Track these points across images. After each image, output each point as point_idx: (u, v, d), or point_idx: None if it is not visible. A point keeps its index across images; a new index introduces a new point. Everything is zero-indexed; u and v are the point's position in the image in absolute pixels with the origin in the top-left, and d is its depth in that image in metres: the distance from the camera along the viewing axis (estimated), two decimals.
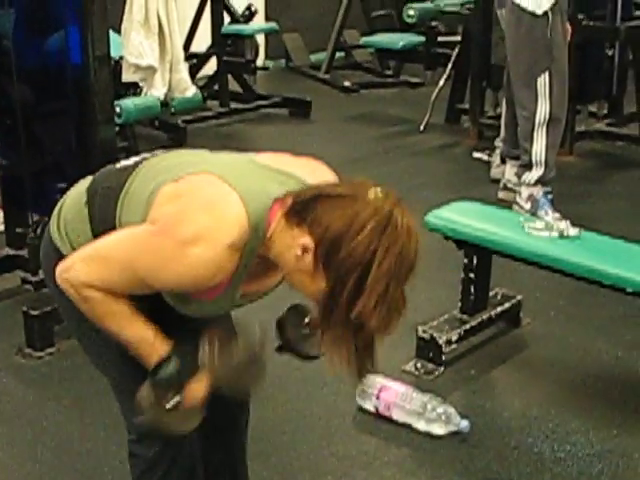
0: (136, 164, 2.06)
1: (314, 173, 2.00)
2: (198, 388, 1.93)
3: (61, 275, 1.92)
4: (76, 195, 2.10)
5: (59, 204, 2.13)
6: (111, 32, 3.99)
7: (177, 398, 1.92)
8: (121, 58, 5.28)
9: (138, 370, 2.02)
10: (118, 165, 2.13)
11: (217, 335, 1.89)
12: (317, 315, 1.85)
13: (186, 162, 2.02)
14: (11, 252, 4.19)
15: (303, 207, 1.79)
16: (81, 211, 2.04)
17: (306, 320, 2.00)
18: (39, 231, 3.90)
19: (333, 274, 1.75)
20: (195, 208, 1.84)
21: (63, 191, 2.19)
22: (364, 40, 8.15)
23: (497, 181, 5.73)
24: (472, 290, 3.86)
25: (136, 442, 2.20)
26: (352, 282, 1.72)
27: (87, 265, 1.89)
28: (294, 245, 1.79)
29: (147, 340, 1.93)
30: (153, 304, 1.95)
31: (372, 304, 1.73)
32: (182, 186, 1.89)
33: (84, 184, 2.10)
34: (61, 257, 2.01)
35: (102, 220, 1.98)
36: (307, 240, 1.76)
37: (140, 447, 2.19)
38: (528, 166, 5.25)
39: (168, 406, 1.92)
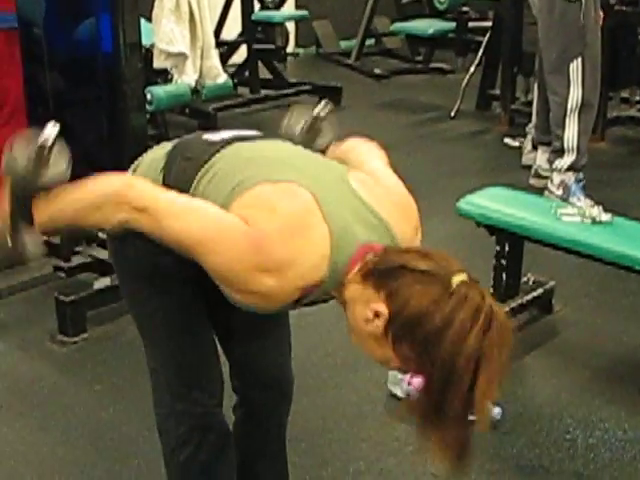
0: (223, 143, 1.99)
1: (405, 219, 1.95)
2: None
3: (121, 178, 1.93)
4: (151, 161, 2.06)
5: (133, 166, 2.09)
6: (142, 19, 3.99)
7: None
8: (152, 45, 5.31)
9: (182, 342, 2.09)
10: (204, 137, 2.08)
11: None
12: (416, 415, 1.77)
13: (278, 160, 1.96)
14: (43, 238, 4.19)
15: (385, 274, 1.73)
16: (156, 174, 1.98)
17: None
18: None
19: (414, 355, 1.70)
20: (286, 237, 1.74)
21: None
22: (394, 27, 8.13)
23: (529, 167, 5.71)
24: (504, 277, 3.85)
25: (166, 418, 2.20)
26: (461, 372, 1.64)
27: (163, 197, 1.84)
28: (366, 304, 1.74)
29: None
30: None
31: (477, 392, 1.65)
32: (279, 199, 1.80)
33: (162, 150, 2.05)
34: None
35: (175, 187, 1.90)
36: (382, 307, 1.71)
37: (169, 422, 2.19)
38: (560, 152, 5.23)
39: None
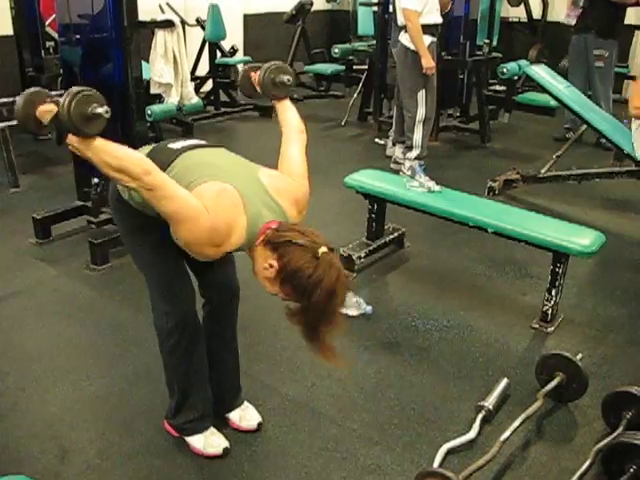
0: (179, 151, 2.00)
1: (294, 204, 2.01)
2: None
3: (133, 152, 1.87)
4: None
5: None
6: (142, 62, 3.91)
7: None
8: (150, 78, 5.21)
9: (164, 267, 2.09)
10: (169, 145, 2.06)
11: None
12: (302, 328, 1.86)
13: (214, 165, 1.99)
14: (80, 203, 4.12)
15: (278, 244, 1.83)
16: None
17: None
18: (98, 190, 3.84)
19: (293, 293, 1.82)
20: (224, 220, 1.82)
21: None
22: (306, 68, 8.05)
23: (389, 157, 5.71)
24: (373, 225, 3.87)
25: (159, 318, 2.19)
26: (329, 311, 1.80)
27: (157, 171, 1.81)
28: (266, 260, 1.84)
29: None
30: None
31: (334, 318, 1.83)
32: (220, 190, 1.86)
33: (144, 152, 2.00)
34: (120, 196, 2.06)
35: None
36: (274, 263, 1.82)
37: (160, 321, 2.19)
38: (410, 148, 5.24)
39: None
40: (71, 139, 1.80)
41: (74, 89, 1.80)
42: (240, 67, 7.92)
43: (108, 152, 1.80)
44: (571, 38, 6.38)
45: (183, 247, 1.88)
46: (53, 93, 1.93)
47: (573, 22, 6.27)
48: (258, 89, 2.44)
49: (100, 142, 1.81)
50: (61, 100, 1.78)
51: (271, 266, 1.82)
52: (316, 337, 1.84)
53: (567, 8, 6.19)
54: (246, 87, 2.50)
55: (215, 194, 1.84)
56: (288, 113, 2.37)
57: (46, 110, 1.82)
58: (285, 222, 1.92)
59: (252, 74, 2.44)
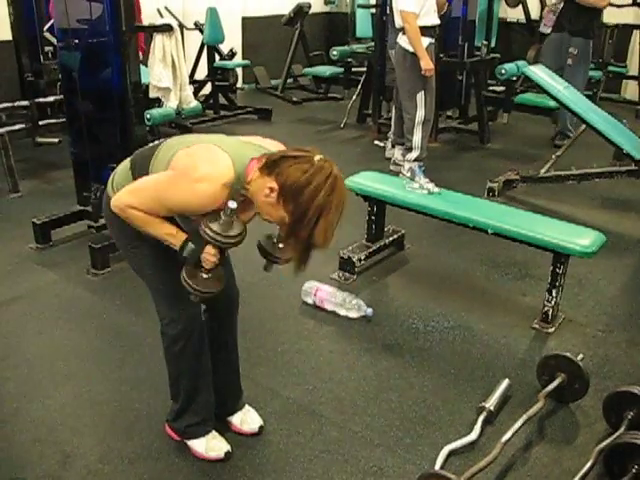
0: (162, 142, 2.07)
1: (277, 147, 2.05)
2: (210, 251, 1.93)
3: (114, 203, 1.95)
4: (123, 166, 2.10)
5: (112, 174, 2.12)
6: (141, 66, 3.92)
7: (206, 273, 1.96)
8: (148, 83, 5.21)
9: (165, 274, 2.06)
10: (150, 145, 2.12)
11: (207, 218, 1.89)
12: (284, 234, 1.88)
13: (195, 139, 2.03)
14: (80, 208, 4.12)
15: (272, 163, 1.83)
16: (127, 174, 2.05)
17: (274, 239, 1.98)
18: (98, 194, 3.84)
19: (294, 208, 1.79)
20: (202, 161, 1.87)
21: (113, 169, 2.16)
22: (305, 71, 8.07)
23: (389, 159, 5.71)
24: (373, 227, 3.87)
25: (165, 325, 2.19)
26: (311, 214, 1.77)
27: (129, 194, 1.92)
28: (264, 187, 1.83)
29: (172, 233, 1.95)
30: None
31: (317, 228, 1.80)
32: (192, 150, 1.94)
33: (127, 160, 2.10)
34: None
35: (140, 176, 1.99)
36: (273, 184, 1.81)
37: (167, 328, 2.18)
38: (409, 149, 5.26)
39: (205, 276, 1.96)
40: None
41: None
42: (239, 70, 7.96)
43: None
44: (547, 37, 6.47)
45: (180, 217, 2.00)
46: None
47: (549, 31, 6.32)
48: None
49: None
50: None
51: (271, 190, 1.82)
52: (293, 241, 1.85)
53: (545, 17, 6.21)
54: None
55: (186, 153, 1.93)
56: None
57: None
58: None
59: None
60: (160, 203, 1.90)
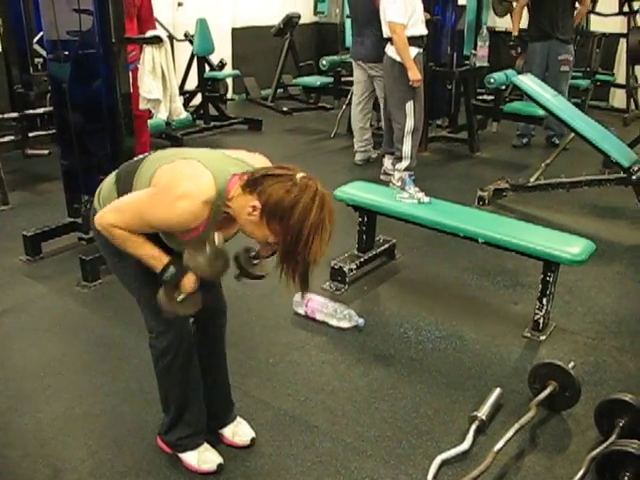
0: (146, 156, 2.07)
1: (262, 162, 2.03)
2: (190, 279, 1.94)
3: (97, 221, 1.95)
4: (109, 180, 2.09)
5: (99, 188, 2.12)
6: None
7: (182, 295, 1.96)
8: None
9: (151, 288, 2.02)
10: (134, 159, 2.12)
11: (192, 247, 1.90)
12: (279, 257, 1.82)
13: (178, 152, 2.03)
14: (70, 220, 4.11)
15: (254, 181, 1.81)
16: (112, 189, 2.05)
17: (252, 254, 1.98)
18: (88, 206, 3.83)
19: (286, 231, 1.76)
20: (183, 178, 1.86)
21: (102, 181, 2.15)
22: (295, 81, 8.08)
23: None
24: (364, 237, 3.87)
25: (153, 338, 2.18)
26: (306, 236, 1.74)
27: (112, 213, 1.92)
28: (247, 205, 1.81)
29: (154, 255, 1.95)
30: (156, 243, 1.97)
31: (314, 247, 1.76)
32: (174, 166, 1.92)
33: (113, 174, 2.10)
34: None
35: (124, 191, 1.98)
36: (256, 202, 1.79)
37: (156, 341, 2.18)
38: (399, 159, 5.27)
39: (179, 299, 1.96)
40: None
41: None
42: (229, 81, 7.97)
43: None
44: (529, 46, 6.50)
45: (165, 235, 1.96)
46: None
47: (485, 63, 6.33)
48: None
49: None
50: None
51: (254, 208, 1.79)
52: (291, 264, 1.80)
53: (478, 50, 6.24)
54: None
55: (169, 169, 1.91)
56: None
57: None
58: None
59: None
60: (142, 220, 1.88)
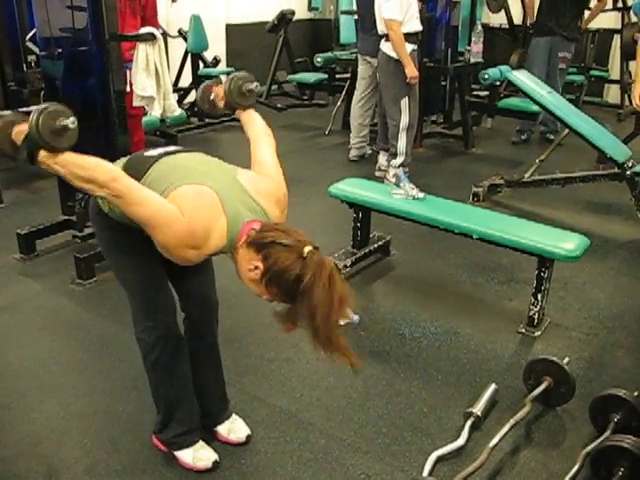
0: (156, 157, 1.98)
1: (276, 204, 1.97)
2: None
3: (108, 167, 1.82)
4: None
5: None
6: None
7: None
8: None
9: (143, 282, 2.05)
10: (146, 153, 2.05)
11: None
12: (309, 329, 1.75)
13: (191, 168, 1.95)
14: (64, 218, 4.10)
15: (262, 245, 1.77)
16: None
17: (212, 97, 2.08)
18: (82, 204, 3.82)
19: (279, 293, 1.76)
20: (201, 227, 1.79)
21: None
22: (289, 77, 8.08)
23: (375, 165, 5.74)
24: (359, 233, 3.87)
25: (141, 332, 2.18)
26: (313, 309, 1.68)
27: (128, 186, 1.79)
28: (250, 261, 1.79)
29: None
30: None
31: (327, 320, 1.71)
32: (198, 201, 1.82)
33: (120, 164, 1.99)
34: (100, 210, 2.04)
35: None
36: (259, 264, 1.76)
37: (143, 335, 2.17)
38: (394, 155, 5.27)
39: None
40: (42, 155, 1.79)
41: (40, 106, 1.80)
42: (223, 77, 7.96)
43: (78, 164, 1.79)
44: (532, 41, 6.56)
45: (161, 251, 1.84)
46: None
47: (479, 59, 6.33)
48: (221, 104, 2.42)
49: (70, 156, 1.80)
50: (29, 118, 1.78)
51: (256, 268, 1.77)
52: (324, 337, 1.74)
53: (472, 46, 6.25)
54: (206, 102, 2.49)
55: (192, 197, 1.82)
56: (255, 121, 2.39)
57: (20, 131, 1.81)
58: (267, 222, 1.89)
59: (214, 88, 2.45)
60: (142, 219, 1.79)
